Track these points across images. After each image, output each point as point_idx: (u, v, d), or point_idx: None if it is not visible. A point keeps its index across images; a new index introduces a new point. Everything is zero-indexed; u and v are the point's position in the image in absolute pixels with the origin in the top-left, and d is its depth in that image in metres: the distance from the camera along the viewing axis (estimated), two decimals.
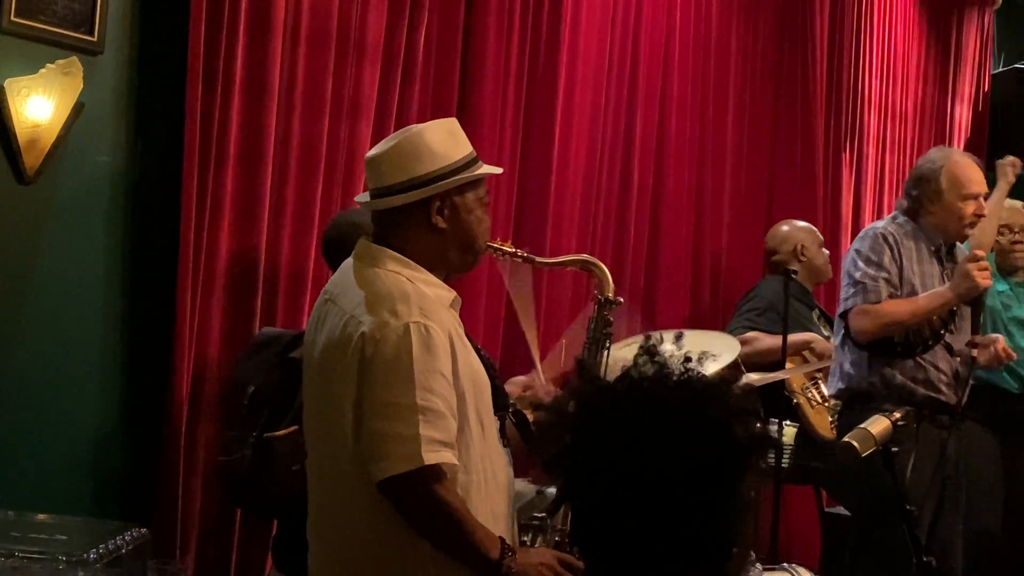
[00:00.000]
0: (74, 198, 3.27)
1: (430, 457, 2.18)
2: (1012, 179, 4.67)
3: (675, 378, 1.50)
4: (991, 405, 3.83)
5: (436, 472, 2.20)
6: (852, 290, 3.75)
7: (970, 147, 6.99)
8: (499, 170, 2.54)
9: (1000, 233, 4.59)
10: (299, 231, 3.65)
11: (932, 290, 3.73)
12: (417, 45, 3.97)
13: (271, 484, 3.06)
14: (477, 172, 2.41)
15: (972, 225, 3.83)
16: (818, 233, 5.10)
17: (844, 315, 3.78)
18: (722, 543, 1.48)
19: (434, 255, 2.39)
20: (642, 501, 1.45)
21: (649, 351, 1.54)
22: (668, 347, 1.55)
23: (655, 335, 1.58)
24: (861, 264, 3.75)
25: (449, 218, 2.38)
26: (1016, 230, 3.83)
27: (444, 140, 2.39)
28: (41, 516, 2.88)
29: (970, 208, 3.80)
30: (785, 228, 5.10)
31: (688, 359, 1.52)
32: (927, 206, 3.81)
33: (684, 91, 5.16)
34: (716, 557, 1.48)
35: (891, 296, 3.71)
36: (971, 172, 3.83)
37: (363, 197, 2.47)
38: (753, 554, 4.28)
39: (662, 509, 1.45)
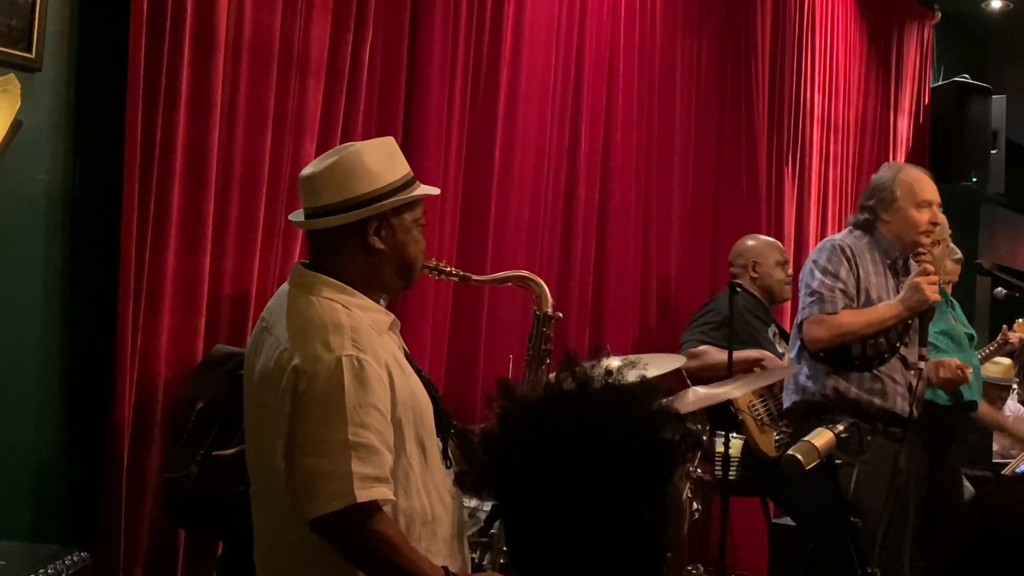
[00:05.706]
0: (12, 217, 3.21)
1: (362, 494, 2.14)
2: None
3: (596, 386, 1.51)
4: (923, 419, 3.89)
5: (369, 508, 2.16)
6: (809, 300, 3.80)
7: (912, 159, 7.09)
8: (436, 191, 2.53)
9: None
10: (243, 248, 3.62)
11: (883, 302, 3.77)
12: (362, 60, 3.95)
13: (216, 504, 3.02)
14: (415, 193, 2.39)
15: (927, 233, 3.87)
16: (780, 252, 5.07)
17: (800, 325, 3.82)
18: (655, 547, 1.48)
19: (370, 277, 2.36)
20: (573, 509, 1.45)
21: (569, 367, 1.54)
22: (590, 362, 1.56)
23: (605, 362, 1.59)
24: (818, 275, 3.80)
25: (386, 239, 2.35)
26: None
27: (382, 160, 2.36)
28: None
29: (925, 216, 3.85)
30: (749, 243, 5.10)
31: (609, 372, 1.53)
32: (882, 215, 3.87)
33: (629, 106, 5.18)
34: (650, 563, 1.48)
35: (847, 307, 3.75)
36: (925, 181, 3.91)
37: (297, 216, 2.43)
38: (700, 566, 4.31)
39: (593, 515, 1.45)
